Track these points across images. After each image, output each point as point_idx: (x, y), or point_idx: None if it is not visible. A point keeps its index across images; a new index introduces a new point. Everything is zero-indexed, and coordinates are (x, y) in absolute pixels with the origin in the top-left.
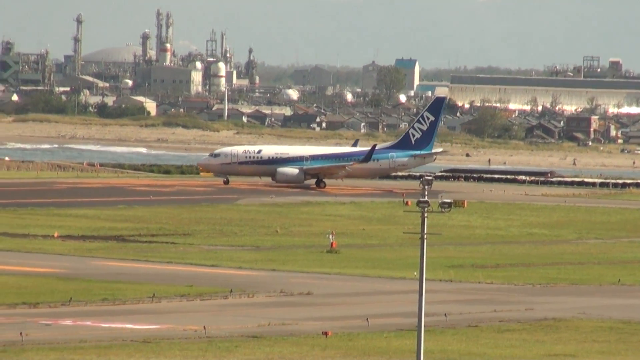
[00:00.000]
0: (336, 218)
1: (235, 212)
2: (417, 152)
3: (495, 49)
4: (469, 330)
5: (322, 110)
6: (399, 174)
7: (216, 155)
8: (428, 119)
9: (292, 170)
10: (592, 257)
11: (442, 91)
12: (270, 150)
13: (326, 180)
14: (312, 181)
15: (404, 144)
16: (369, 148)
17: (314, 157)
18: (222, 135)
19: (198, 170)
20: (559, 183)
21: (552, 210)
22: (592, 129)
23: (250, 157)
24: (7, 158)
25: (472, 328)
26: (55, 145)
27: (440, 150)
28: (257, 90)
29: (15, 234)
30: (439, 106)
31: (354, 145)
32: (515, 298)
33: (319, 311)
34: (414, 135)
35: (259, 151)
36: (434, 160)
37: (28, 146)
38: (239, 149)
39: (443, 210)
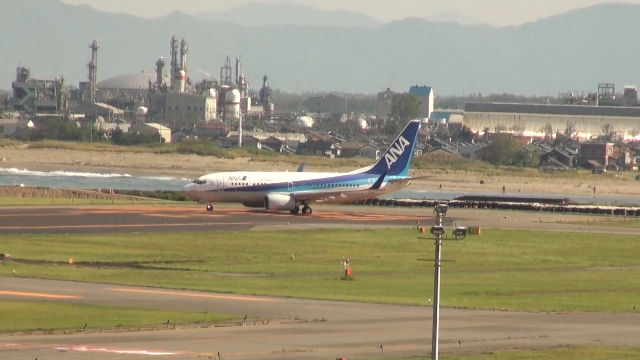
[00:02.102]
0: (350, 245)
1: (249, 239)
2: (394, 177)
3: (510, 76)
4: (483, 357)
5: (337, 138)
6: (413, 200)
7: (202, 182)
8: (403, 143)
9: (283, 197)
10: (607, 284)
11: (456, 118)
12: (254, 176)
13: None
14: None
15: (380, 168)
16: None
17: (298, 183)
18: (236, 162)
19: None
20: (574, 210)
21: (567, 237)
22: (606, 156)
23: (235, 183)
24: (22, 184)
25: (487, 355)
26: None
27: (411, 177)
28: (271, 117)
29: (31, 260)
30: (413, 131)
31: (300, 169)
32: (530, 325)
33: (333, 338)
34: (389, 160)
35: (244, 177)
36: (409, 184)
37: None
38: (224, 176)
39: (457, 237)
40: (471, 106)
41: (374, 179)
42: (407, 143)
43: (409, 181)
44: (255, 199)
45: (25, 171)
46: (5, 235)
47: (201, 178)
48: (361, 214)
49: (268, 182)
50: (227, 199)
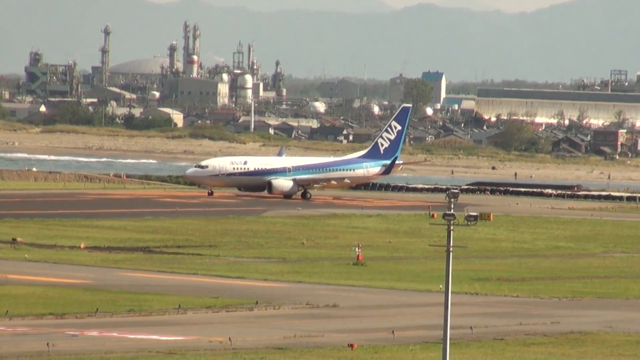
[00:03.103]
0: (362, 230)
1: (261, 224)
2: (387, 162)
3: (522, 63)
4: (495, 343)
5: (349, 123)
6: (425, 186)
7: (204, 167)
8: (395, 128)
9: (287, 182)
10: (619, 271)
11: (469, 104)
12: (255, 161)
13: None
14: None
15: (373, 153)
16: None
17: (296, 168)
18: (248, 147)
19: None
20: (586, 197)
21: (579, 224)
22: (619, 143)
23: (237, 168)
24: (34, 169)
25: (498, 341)
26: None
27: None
28: (284, 103)
29: (43, 244)
30: (405, 115)
31: (279, 154)
32: (541, 311)
33: (344, 323)
34: (382, 145)
35: (245, 162)
36: (400, 169)
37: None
38: (225, 160)
39: (469, 223)
40: (483, 92)
41: (368, 164)
42: (399, 127)
43: (400, 166)
44: (256, 183)
45: (40, 156)
46: (18, 219)
47: (203, 163)
48: (372, 199)
49: (268, 167)
50: (229, 184)
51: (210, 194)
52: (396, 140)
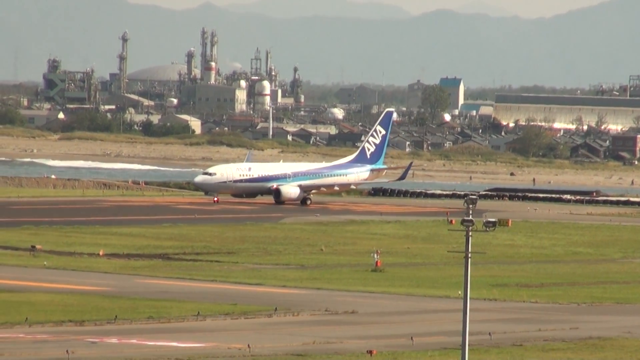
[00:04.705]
0: (381, 237)
1: (279, 231)
2: (374, 167)
3: (540, 68)
4: (514, 349)
5: (367, 129)
6: (443, 192)
7: (212, 174)
8: (380, 132)
9: (294, 189)
10: (638, 276)
11: (487, 110)
12: (258, 167)
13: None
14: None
15: (361, 158)
16: (405, 166)
17: (295, 174)
18: (266, 154)
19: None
20: (604, 202)
21: (597, 229)
22: (637, 148)
23: (242, 175)
24: (53, 176)
25: (517, 347)
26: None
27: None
28: (302, 109)
29: (61, 252)
30: (388, 120)
31: (247, 160)
32: (560, 317)
33: (363, 330)
34: (369, 150)
35: (250, 169)
36: (384, 174)
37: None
38: (232, 167)
39: (487, 229)
40: (501, 98)
41: (359, 169)
42: (383, 132)
43: (385, 171)
44: (260, 190)
45: (57, 162)
46: (36, 226)
47: (210, 170)
48: (391, 205)
49: (271, 174)
50: (236, 190)
51: (217, 201)
52: (381, 144)
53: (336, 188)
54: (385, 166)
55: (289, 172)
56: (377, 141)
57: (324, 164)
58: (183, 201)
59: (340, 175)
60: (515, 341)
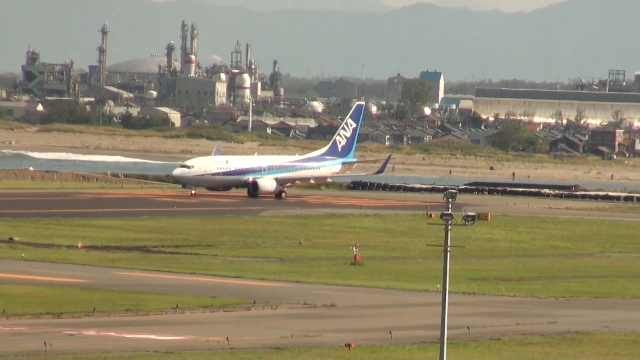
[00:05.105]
0: (360, 230)
1: (258, 224)
2: (345, 160)
3: (520, 63)
4: (492, 343)
5: None
6: (423, 186)
7: (190, 167)
8: (351, 125)
9: (271, 182)
10: (616, 271)
11: (466, 104)
12: (235, 160)
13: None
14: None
15: (333, 151)
16: (376, 159)
17: (270, 167)
18: (246, 147)
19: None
20: (583, 196)
21: (576, 224)
22: (616, 143)
23: (220, 167)
24: (31, 168)
25: (495, 341)
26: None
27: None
28: (281, 102)
29: (40, 244)
30: (359, 113)
31: (215, 152)
32: (538, 311)
33: (342, 323)
34: (340, 143)
35: (227, 161)
36: (354, 167)
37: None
38: (209, 160)
39: (466, 223)
40: (481, 92)
41: (332, 162)
42: (354, 125)
43: (355, 164)
44: (237, 183)
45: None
46: (15, 219)
47: (188, 162)
48: (370, 198)
49: (247, 167)
50: (214, 183)
51: (194, 194)
52: (351, 137)
53: (312, 181)
54: (355, 159)
55: (263, 165)
56: (348, 134)
57: (297, 157)
58: (162, 194)
59: (313, 168)
60: (493, 335)
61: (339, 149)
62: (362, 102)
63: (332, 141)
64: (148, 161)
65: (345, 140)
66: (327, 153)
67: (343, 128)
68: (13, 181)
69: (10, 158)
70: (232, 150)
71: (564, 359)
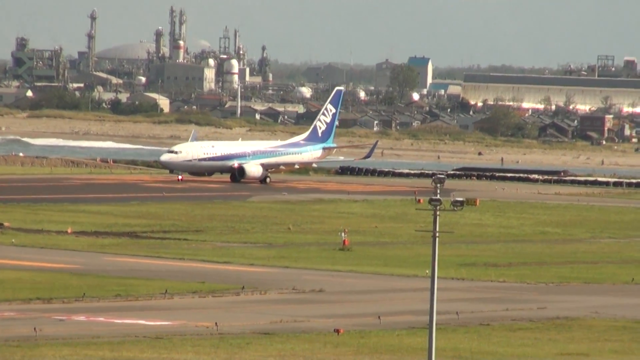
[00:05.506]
0: (349, 216)
1: (247, 209)
2: (325, 145)
3: (509, 48)
4: (481, 328)
5: None
6: (411, 171)
7: (177, 152)
8: (330, 111)
9: (257, 167)
10: (606, 256)
11: (455, 90)
12: (222, 145)
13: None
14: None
15: (313, 137)
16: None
17: (254, 153)
18: (234, 133)
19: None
20: (572, 182)
21: (565, 209)
22: (605, 128)
23: (207, 153)
24: (21, 154)
25: (484, 326)
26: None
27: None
28: (270, 88)
29: (29, 229)
30: (338, 98)
31: (192, 138)
32: (528, 297)
33: (330, 308)
34: (320, 128)
35: (213, 146)
36: (334, 152)
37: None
38: (196, 145)
39: (455, 208)
40: (470, 77)
41: (313, 147)
42: (333, 110)
43: (335, 149)
44: (222, 168)
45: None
46: (4, 204)
47: (175, 148)
48: (359, 184)
49: (232, 152)
50: (200, 169)
51: (181, 180)
52: (331, 123)
53: (296, 166)
54: (335, 145)
55: (248, 150)
56: (328, 120)
57: (279, 142)
58: (151, 179)
59: (295, 153)
60: (482, 320)
61: (319, 134)
62: (342, 88)
63: (312, 127)
64: (141, 147)
65: (326, 125)
66: (308, 138)
67: (323, 113)
68: (2, 167)
69: (4, 144)
70: (220, 136)
71: (553, 344)
